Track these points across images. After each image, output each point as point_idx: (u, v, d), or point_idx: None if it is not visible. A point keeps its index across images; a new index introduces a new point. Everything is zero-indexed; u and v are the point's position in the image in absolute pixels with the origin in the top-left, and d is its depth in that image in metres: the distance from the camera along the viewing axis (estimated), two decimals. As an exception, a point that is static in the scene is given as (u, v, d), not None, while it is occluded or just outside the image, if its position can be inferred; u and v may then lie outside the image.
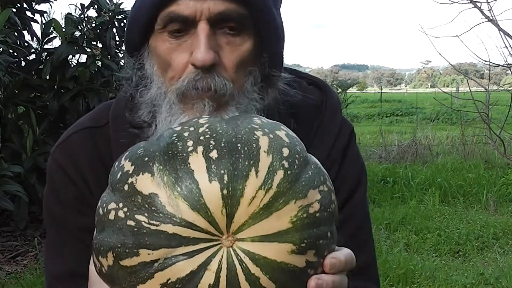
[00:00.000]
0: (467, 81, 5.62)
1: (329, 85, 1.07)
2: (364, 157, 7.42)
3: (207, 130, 0.63)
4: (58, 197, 0.97)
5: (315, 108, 1.00)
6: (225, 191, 0.59)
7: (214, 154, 0.61)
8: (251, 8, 0.85)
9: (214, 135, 0.62)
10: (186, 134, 0.63)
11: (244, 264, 0.60)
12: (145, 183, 0.61)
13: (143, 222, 0.60)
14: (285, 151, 0.63)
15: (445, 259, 4.15)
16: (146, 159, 0.63)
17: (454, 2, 4.33)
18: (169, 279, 0.60)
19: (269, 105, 0.91)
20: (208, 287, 0.59)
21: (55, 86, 4.30)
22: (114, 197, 0.63)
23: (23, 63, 4.43)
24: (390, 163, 7.16)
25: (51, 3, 4.65)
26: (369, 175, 6.27)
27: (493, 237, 4.53)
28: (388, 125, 12.80)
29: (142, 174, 0.62)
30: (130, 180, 0.62)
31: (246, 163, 0.60)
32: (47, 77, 4.30)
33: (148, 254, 0.60)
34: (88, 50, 4.35)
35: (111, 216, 0.62)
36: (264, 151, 0.62)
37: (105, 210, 0.64)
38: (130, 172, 0.63)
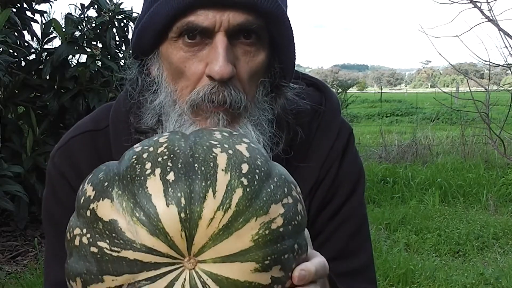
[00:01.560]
0: (467, 81, 5.62)
1: (329, 86, 1.06)
2: (364, 157, 7.43)
3: (165, 150, 0.62)
4: (58, 202, 0.96)
5: (314, 109, 0.99)
6: (182, 215, 0.59)
7: (171, 176, 0.60)
8: (268, 19, 0.84)
9: (171, 155, 0.62)
10: (145, 155, 0.63)
11: (207, 286, 0.60)
12: (105, 210, 0.61)
13: (105, 249, 0.60)
14: (245, 167, 0.61)
15: (445, 259, 4.15)
16: (106, 184, 0.62)
17: (454, 2, 4.33)
18: None
19: (278, 114, 0.91)
20: None
21: (55, 86, 4.30)
22: (79, 222, 0.64)
23: (23, 63, 4.43)
24: (390, 163, 7.16)
25: (51, 3, 4.65)
26: (369, 175, 6.26)
27: (493, 237, 4.53)
28: (388, 125, 12.80)
29: (102, 200, 0.62)
30: (91, 206, 0.62)
31: (203, 184, 0.60)
32: (47, 77, 4.30)
33: (112, 280, 0.60)
34: (88, 50, 4.35)
35: (77, 242, 0.63)
36: (222, 170, 0.61)
37: (71, 235, 0.64)
38: (92, 197, 0.63)
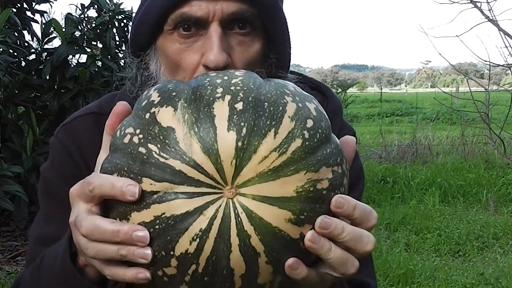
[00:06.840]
0: (467, 81, 5.63)
1: (332, 90, 1.08)
2: (364, 157, 7.43)
3: (239, 82, 0.64)
4: (56, 170, 0.98)
5: None
6: (239, 143, 0.59)
7: (239, 105, 0.61)
8: (261, 8, 0.85)
9: (245, 88, 0.63)
10: (218, 81, 0.64)
11: (239, 219, 0.60)
12: (166, 116, 0.62)
13: (153, 152, 0.61)
14: (309, 123, 0.62)
15: (445, 259, 4.15)
16: (174, 94, 0.64)
17: (454, 2, 4.33)
18: (164, 213, 0.60)
19: None
20: (198, 231, 0.59)
21: (55, 86, 4.30)
22: (134, 123, 0.64)
23: (23, 63, 4.43)
24: (390, 163, 7.15)
25: (51, 3, 4.65)
26: (369, 175, 6.26)
27: (493, 237, 4.54)
28: (388, 125, 12.79)
29: (166, 107, 0.63)
30: (152, 109, 0.63)
31: (268, 122, 0.61)
32: (47, 77, 4.30)
33: (151, 184, 0.61)
34: (88, 50, 4.35)
35: (126, 139, 0.63)
36: (289, 117, 0.62)
37: (122, 133, 0.64)
38: (155, 102, 0.64)
